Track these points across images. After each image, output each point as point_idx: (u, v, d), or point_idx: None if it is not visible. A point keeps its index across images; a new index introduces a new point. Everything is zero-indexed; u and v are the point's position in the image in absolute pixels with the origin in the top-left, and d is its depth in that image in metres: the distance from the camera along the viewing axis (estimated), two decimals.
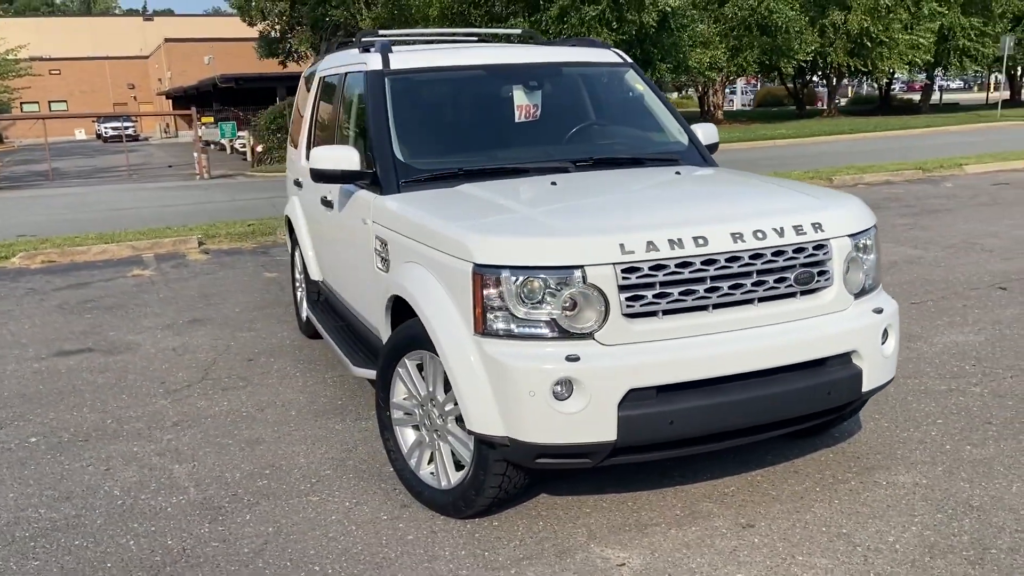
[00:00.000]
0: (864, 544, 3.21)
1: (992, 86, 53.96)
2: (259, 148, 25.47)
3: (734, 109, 50.29)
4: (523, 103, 4.59)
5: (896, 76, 39.03)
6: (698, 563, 3.13)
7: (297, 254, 6.29)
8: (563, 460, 3.15)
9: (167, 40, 56.64)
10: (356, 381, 5.20)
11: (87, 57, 67.40)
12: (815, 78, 44.81)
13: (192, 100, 40.30)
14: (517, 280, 3.03)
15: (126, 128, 44.59)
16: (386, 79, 4.41)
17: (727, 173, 4.34)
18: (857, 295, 3.43)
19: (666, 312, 3.11)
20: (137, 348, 6.22)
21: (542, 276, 3.03)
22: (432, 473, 3.62)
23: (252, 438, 4.47)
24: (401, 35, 5.65)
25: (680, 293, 3.11)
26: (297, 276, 6.44)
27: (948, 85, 61.55)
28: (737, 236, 3.16)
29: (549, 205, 3.56)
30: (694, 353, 3.08)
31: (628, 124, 5.00)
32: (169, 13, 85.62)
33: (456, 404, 3.35)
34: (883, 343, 3.43)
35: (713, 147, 4.74)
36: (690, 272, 3.11)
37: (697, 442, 3.20)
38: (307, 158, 5.71)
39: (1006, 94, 39.94)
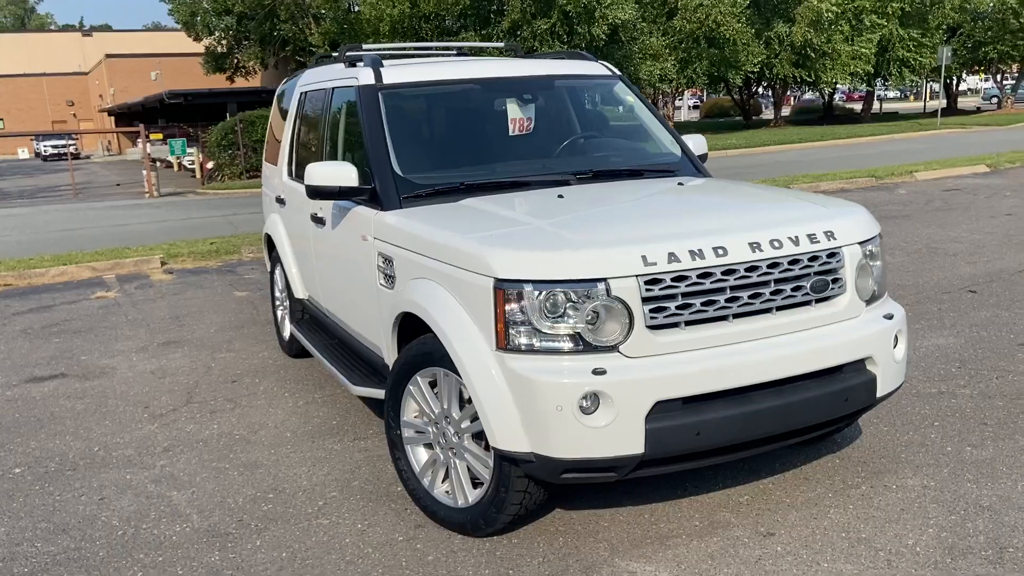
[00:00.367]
0: (885, 548, 3.24)
1: (928, 95, 55.61)
2: (209, 165, 24.97)
3: (682, 120, 50.96)
4: (517, 116, 4.58)
5: (837, 86, 39.95)
6: (726, 574, 3.12)
7: (278, 272, 6.17)
8: (589, 475, 3.12)
9: (108, 56, 55.32)
10: (348, 400, 5.11)
11: (23, 74, 65.53)
12: (760, 89, 45.74)
13: (137, 116, 39.43)
14: (540, 294, 3.01)
15: (69, 146, 43.49)
16: (380, 93, 4.36)
17: (728, 183, 4.38)
18: (868, 302, 3.48)
19: (688, 323, 3.11)
20: (113, 372, 6.03)
21: (565, 290, 3.00)
22: (447, 492, 3.56)
23: (249, 461, 4.36)
24: (384, 50, 5.59)
25: (701, 304, 3.12)
26: (278, 295, 6.32)
27: (885, 95, 63.20)
28: (755, 246, 3.18)
29: (561, 218, 3.54)
30: (718, 363, 3.08)
31: (621, 136, 5.03)
32: (107, 28, 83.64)
33: (473, 421, 3.32)
34: (894, 348, 3.48)
35: (703, 157, 4.78)
36: (711, 282, 3.12)
37: (722, 452, 3.20)
38: (289, 175, 5.62)
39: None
